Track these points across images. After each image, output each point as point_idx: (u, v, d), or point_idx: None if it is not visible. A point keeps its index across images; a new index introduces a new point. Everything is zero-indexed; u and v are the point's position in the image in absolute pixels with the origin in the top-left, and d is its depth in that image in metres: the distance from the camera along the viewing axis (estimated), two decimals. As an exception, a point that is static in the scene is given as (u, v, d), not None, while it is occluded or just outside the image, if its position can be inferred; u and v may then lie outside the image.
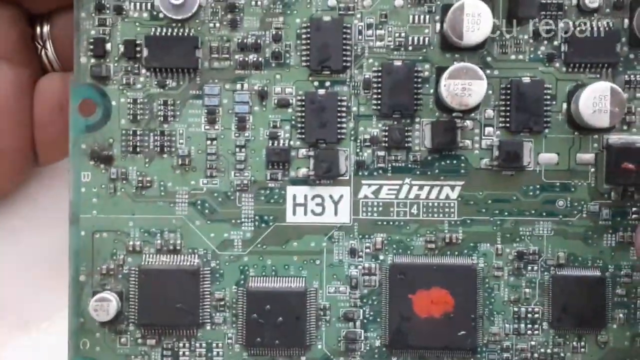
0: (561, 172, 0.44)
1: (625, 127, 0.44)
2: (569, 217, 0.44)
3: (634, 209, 0.44)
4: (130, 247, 0.45)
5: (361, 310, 0.45)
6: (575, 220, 0.44)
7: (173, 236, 0.45)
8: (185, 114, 0.45)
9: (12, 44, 0.47)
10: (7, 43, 0.47)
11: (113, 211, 0.45)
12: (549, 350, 0.44)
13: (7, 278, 0.47)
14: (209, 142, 0.45)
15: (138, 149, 0.45)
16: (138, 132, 0.45)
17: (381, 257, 0.45)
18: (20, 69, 0.47)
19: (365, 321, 0.45)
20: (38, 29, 0.48)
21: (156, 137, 0.45)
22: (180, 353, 0.45)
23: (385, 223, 0.45)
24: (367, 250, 0.45)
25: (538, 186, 0.44)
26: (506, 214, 0.44)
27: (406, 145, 0.44)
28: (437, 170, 0.45)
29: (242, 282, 0.45)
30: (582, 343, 0.44)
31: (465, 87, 0.43)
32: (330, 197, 0.45)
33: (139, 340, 0.45)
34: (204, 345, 0.45)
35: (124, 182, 0.45)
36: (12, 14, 0.47)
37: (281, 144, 0.45)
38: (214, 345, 0.45)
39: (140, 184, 0.45)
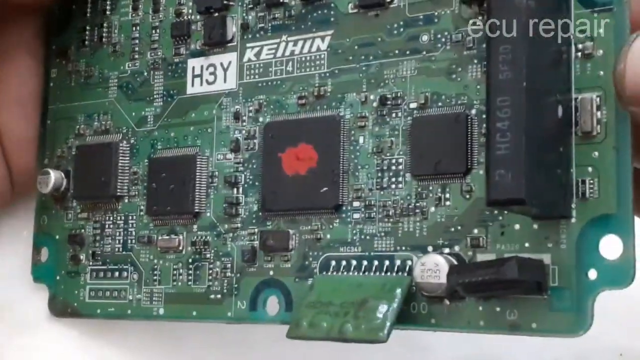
0: (425, 4, 0.34)
1: (484, -60, 0.33)
2: (432, 52, 0.34)
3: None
4: (76, 131, 0.43)
5: (242, 175, 0.38)
6: (439, 55, 0.34)
7: (106, 117, 0.43)
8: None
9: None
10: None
11: (68, 100, 0.44)
12: (411, 205, 0.34)
13: (7, 278, 0.44)
14: (133, 27, 0.42)
15: (86, 42, 0.44)
16: (87, 28, 0.43)
17: (260, 119, 0.38)
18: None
19: (245, 186, 0.38)
20: None
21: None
22: (106, 225, 0.42)
23: (265, 84, 0.38)
24: (250, 113, 0.38)
25: (402, 23, 0.35)
26: (371, 58, 0.35)
27: (282, 0, 0.38)
28: (309, 23, 0.37)
29: (152, 155, 0.41)
30: (447, 195, 0.33)
31: None
32: (221, 64, 0.39)
33: (78, 215, 0.43)
34: (122, 217, 0.41)
35: (77, 74, 0.44)
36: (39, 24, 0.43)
37: (183, 19, 0.41)
38: (130, 217, 0.41)
39: (86, 74, 0.43)
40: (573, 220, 0.30)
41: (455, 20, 0.33)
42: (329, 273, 0.35)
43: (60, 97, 0.44)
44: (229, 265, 0.38)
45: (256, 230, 0.37)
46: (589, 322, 0.30)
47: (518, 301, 0.31)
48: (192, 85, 0.40)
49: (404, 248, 0.34)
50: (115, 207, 0.41)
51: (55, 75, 0.44)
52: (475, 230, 0.32)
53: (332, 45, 0.36)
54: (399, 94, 0.34)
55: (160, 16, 0.41)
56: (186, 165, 0.39)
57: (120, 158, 0.41)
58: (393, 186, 0.34)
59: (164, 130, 0.40)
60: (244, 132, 0.38)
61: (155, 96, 0.41)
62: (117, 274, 0.41)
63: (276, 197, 0.36)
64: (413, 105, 0.34)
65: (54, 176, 0.42)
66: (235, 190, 0.38)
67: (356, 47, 0.35)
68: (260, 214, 0.37)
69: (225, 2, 0.39)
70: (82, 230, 0.42)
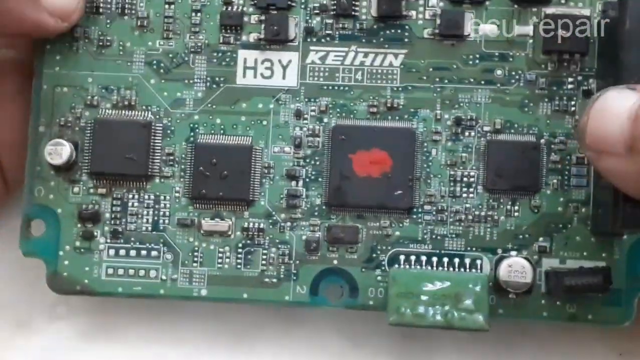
0: (500, 43, 0.40)
1: (563, 0, 0.40)
2: (506, 86, 0.40)
3: (569, 78, 0.40)
4: (88, 102, 0.41)
5: (304, 170, 0.41)
6: (513, 89, 0.40)
7: (129, 93, 0.41)
8: (146, -21, 0.41)
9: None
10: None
11: (74, 67, 0.41)
12: (482, 213, 0.40)
13: (6, 277, 0.43)
14: (166, 5, 0.41)
15: (101, 10, 0.41)
16: (101, -6, 0.41)
17: (325, 120, 0.41)
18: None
19: (307, 180, 0.41)
20: None
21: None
22: (130, 204, 0.41)
23: (330, 88, 0.41)
24: (312, 113, 0.41)
25: (477, 55, 0.40)
26: (446, 81, 0.40)
27: (353, 13, 0.41)
28: (382, 39, 0.41)
29: (191, 139, 0.41)
30: (516, 207, 0.40)
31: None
32: (279, 61, 0.41)
33: (91, 190, 0.41)
34: (152, 197, 0.41)
35: (86, 40, 0.41)
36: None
37: (234, 9, 0.41)
38: (162, 197, 0.41)
39: (100, 43, 0.41)
40: (625, 237, 0.39)
41: (528, 62, 0.40)
42: (400, 267, 0.39)
43: (61, 62, 0.41)
44: (287, 252, 0.40)
45: (319, 222, 0.40)
46: (634, 315, 0.39)
47: (577, 297, 0.39)
48: (244, 76, 0.41)
49: (474, 249, 0.40)
50: (143, 186, 0.41)
51: (53, 38, 0.41)
52: (541, 239, 0.39)
53: (406, 63, 0.40)
54: (473, 117, 0.40)
55: (202, 0, 0.41)
56: (241, 154, 0.40)
57: (152, 137, 0.40)
58: (465, 195, 0.40)
59: (208, 116, 0.41)
60: (305, 129, 0.40)
61: (196, 80, 0.41)
62: (144, 253, 0.40)
63: (345, 194, 0.40)
64: (487, 128, 0.40)
65: (69, 147, 0.40)
66: (295, 183, 0.40)
67: (431, 69, 0.40)
68: (324, 207, 0.40)
69: (289, 2, 0.40)
70: (97, 207, 0.41)
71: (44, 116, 0.41)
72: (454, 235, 0.39)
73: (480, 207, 0.40)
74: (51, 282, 0.40)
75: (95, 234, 0.40)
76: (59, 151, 0.40)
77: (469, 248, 0.39)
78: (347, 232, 0.40)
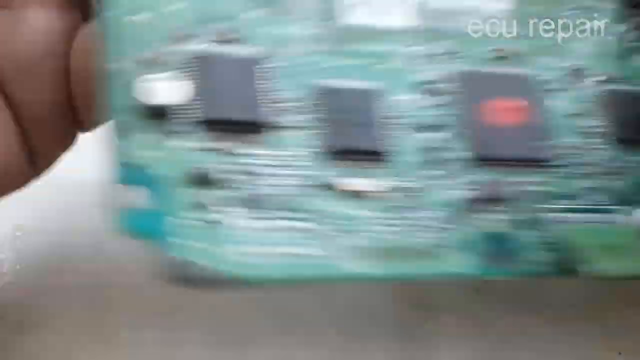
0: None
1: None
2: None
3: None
4: (177, 35, 0.31)
5: (442, 119, 0.35)
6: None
7: (228, 25, 0.32)
8: None
9: None
10: None
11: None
12: (616, 165, 0.37)
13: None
14: None
15: None
16: None
17: (453, 66, 0.35)
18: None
19: (450, 133, 0.34)
20: None
21: None
22: (249, 162, 0.31)
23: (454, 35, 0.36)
24: (442, 57, 0.35)
25: (578, 7, 0.39)
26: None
27: (459, -44, 0.37)
28: (489, -15, 0.37)
29: (316, 83, 0.33)
30: (652, 156, 0.38)
31: None
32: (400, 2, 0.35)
33: (199, 145, 0.31)
34: (279, 154, 0.32)
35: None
36: None
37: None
38: (292, 154, 0.32)
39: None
40: None
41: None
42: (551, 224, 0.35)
43: (135, -16, 0.32)
44: (439, 216, 0.33)
45: (468, 179, 0.34)
46: None
47: None
48: (361, 16, 0.35)
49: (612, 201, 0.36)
50: (261, 139, 0.32)
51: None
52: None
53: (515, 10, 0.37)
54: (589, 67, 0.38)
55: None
56: (373, 102, 0.34)
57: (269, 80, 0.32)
58: (594, 147, 0.37)
59: (327, 57, 0.34)
60: (434, 75, 0.35)
61: (309, 18, 0.34)
62: (278, 224, 0.31)
63: (489, 147, 0.35)
64: (599, 78, 0.38)
65: (185, 85, 0.30)
66: (436, 134, 0.34)
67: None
68: (470, 162, 0.35)
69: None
70: (210, 166, 0.31)
71: (114, 49, 0.30)
72: (600, 190, 0.36)
73: (612, 159, 0.37)
74: (170, 272, 0.29)
75: (214, 202, 0.30)
76: (166, 87, 0.29)
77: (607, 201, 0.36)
78: (497, 189, 0.34)
